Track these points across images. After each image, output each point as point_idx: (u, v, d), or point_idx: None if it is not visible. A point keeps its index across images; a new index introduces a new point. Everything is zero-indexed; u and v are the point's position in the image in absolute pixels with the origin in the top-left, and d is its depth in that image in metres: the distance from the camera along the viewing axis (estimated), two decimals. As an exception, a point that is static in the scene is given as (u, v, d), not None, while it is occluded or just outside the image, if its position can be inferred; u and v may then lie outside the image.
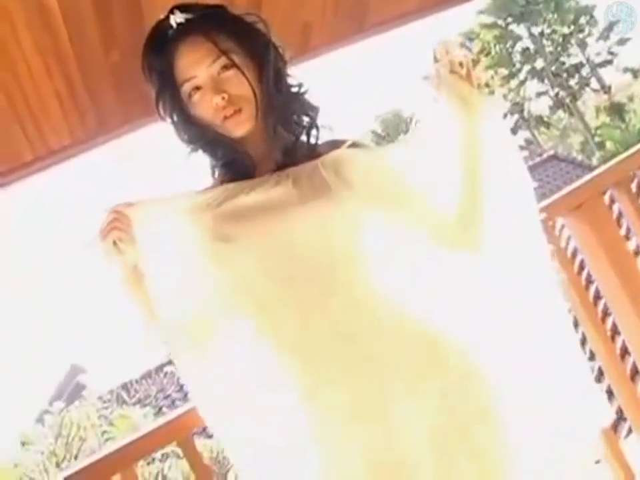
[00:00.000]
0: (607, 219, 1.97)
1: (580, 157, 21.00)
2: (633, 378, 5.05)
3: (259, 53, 1.20)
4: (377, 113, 28.56)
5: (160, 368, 10.52)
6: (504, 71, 24.26)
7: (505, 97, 24.60)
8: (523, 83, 24.94)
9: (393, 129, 27.92)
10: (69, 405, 8.89)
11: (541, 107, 26.27)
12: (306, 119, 1.25)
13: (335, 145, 1.24)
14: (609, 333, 2.02)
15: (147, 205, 1.18)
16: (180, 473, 5.86)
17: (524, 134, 25.77)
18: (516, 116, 25.24)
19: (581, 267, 4.16)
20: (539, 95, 25.34)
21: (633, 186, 2.08)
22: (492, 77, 23.90)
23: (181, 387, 9.95)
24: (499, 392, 1.15)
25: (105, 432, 6.34)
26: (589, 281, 3.41)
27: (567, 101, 24.38)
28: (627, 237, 4.75)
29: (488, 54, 24.15)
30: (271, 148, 1.22)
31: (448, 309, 1.18)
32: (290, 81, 1.25)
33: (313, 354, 1.13)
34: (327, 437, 1.12)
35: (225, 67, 1.17)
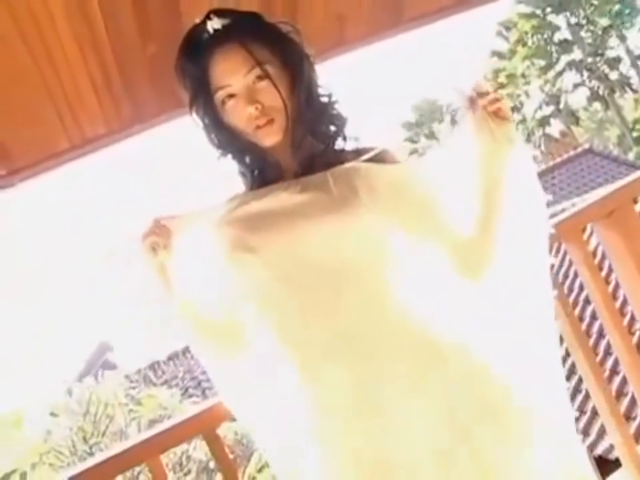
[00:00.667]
0: (637, 228, 1.94)
1: (616, 151, 20.62)
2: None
3: (292, 63, 1.23)
4: (412, 103, 28.36)
5: (187, 349, 10.67)
6: (541, 62, 23.82)
7: (541, 88, 24.21)
8: (560, 74, 24.45)
9: (427, 116, 27.76)
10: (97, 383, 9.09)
11: (578, 99, 25.83)
12: (333, 129, 1.26)
13: (359, 154, 1.25)
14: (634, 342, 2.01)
15: (183, 219, 1.26)
16: (204, 454, 5.97)
17: (559, 126, 25.33)
18: (551, 107, 24.80)
19: (611, 270, 4.11)
20: (576, 86, 24.87)
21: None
22: (528, 67, 23.52)
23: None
24: (500, 392, 1.16)
25: (131, 411, 6.46)
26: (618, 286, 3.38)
27: (605, 93, 23.88)
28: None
29: (525, 44, 23.76)
30: (297, 157, 1.24)
31: (452, 318, 1.20)
32: (320, 91, 1.26)
33: (315, 352, 1.15)
34: (327, 434, 1.14)
35: (259, 77, 1.19)
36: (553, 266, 1.43)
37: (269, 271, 1.18)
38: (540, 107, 24.47)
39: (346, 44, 2.06)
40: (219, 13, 1.21)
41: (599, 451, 6.07)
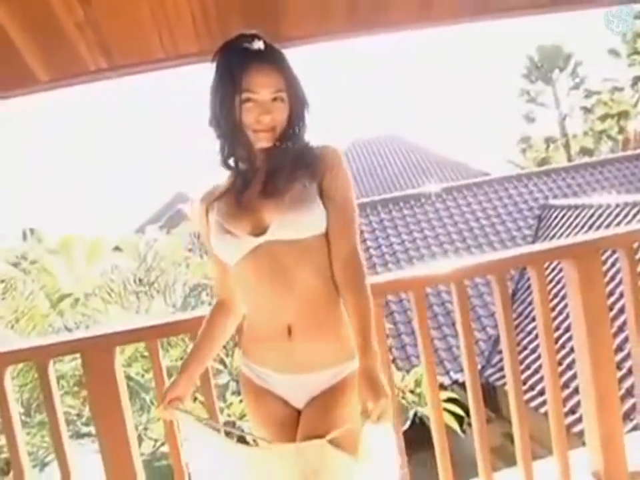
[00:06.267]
0: (596, 278, 2.16)
1: None
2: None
3: (296, 96, 1.61)
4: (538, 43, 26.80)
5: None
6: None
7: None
8: None
9: (550, 60, 26.41)
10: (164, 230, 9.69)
11: None
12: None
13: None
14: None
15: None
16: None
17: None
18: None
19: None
20: None
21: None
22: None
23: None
24: None
25: (180, 272, 6.98)
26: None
27: None
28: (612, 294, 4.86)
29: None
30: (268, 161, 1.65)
31: None
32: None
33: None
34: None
35: (277, 99, 1.57)
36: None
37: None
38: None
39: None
40: (259, 37, 1.59)
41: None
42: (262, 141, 1.61)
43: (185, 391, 1.71)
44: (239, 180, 1.67)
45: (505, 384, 8.45)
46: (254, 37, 1.59)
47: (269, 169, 1.63)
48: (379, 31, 2.21)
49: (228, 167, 1.68)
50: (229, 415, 5.29)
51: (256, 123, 1.58)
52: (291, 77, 1.59)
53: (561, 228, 10.81)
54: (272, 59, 1.58)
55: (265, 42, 1.59)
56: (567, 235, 10.37)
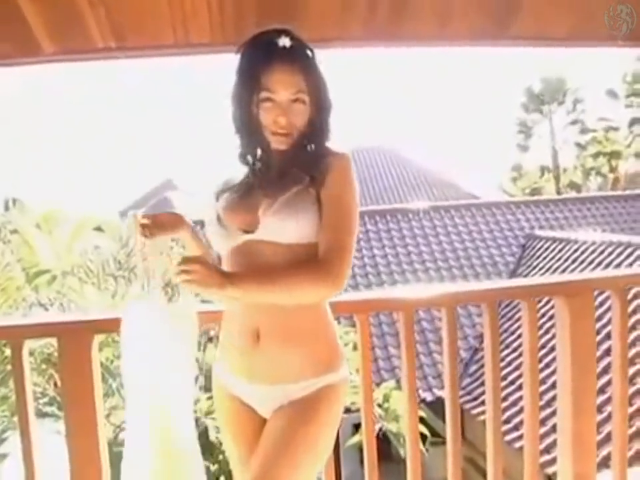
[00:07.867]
0: (586, 318, 2.16)
1: None
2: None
3: (320, 98, 1.55)
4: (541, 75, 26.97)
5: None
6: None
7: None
8: None
9: (551, 93, 26.65)
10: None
11: None
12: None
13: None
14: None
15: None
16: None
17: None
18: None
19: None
20: None
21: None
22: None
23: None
24: None
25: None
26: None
27: None
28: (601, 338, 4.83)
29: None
30: (282, 162, 1.58)
31: None
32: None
33: None
34: None
35: (298, 100, 1.50)
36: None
37: None
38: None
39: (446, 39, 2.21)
40: (289, 33, 1.51)
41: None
42: (278, 144, 1.56)
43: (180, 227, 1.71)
44: (251, 176, 1.62)
45: (472, 408, 8.45)
46: (282, 33, 1.51)
47: (279, 169, 1.57)
48: (394, 44, 2.20)
49: (245, 162, 1.63)
50: (195, 412, 5.23)
51: (273, 124, 1.52)
52: (314, 79, 1.52)
53: (544, 259, 10.87)
54: (296, 57, 1.50)
55: (294, 39, 1.51)
56: (550, 267, 10.43)
